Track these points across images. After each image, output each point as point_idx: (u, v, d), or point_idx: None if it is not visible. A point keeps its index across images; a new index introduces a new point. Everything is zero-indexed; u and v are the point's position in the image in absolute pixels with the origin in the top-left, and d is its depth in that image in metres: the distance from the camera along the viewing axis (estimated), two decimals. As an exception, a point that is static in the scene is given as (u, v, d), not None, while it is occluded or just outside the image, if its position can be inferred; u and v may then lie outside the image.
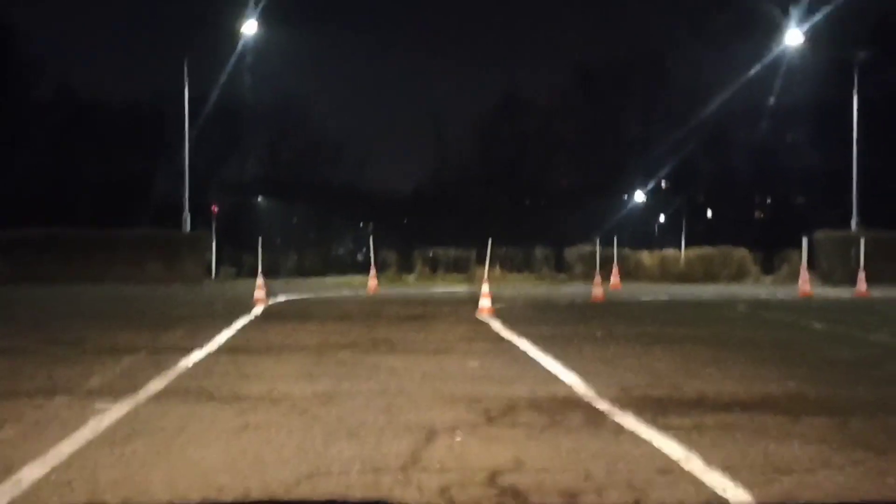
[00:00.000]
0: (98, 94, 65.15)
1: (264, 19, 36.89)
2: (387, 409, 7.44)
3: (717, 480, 5.31)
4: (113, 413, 7.28)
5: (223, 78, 45.83)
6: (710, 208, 70.47)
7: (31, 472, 5.46)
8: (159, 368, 9.64)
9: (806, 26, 39.34)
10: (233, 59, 40.42)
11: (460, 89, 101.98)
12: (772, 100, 54.42)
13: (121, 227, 33.59)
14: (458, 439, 6.38)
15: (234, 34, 37.25)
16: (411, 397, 8.06)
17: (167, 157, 61.13)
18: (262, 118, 63.36)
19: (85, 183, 60.87)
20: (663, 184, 69.07)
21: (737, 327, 15.55)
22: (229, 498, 4.93)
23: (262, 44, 39.55)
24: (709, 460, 5.73)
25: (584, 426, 6.87)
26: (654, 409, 7.44)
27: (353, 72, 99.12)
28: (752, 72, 48.02)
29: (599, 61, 66.06)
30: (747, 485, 5.19)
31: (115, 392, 8.20)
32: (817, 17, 41.58)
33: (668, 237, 57.84)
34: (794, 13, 41.31)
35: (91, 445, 6.21)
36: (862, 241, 26.04)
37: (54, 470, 5.56)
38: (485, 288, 17.58)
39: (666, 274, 33.55)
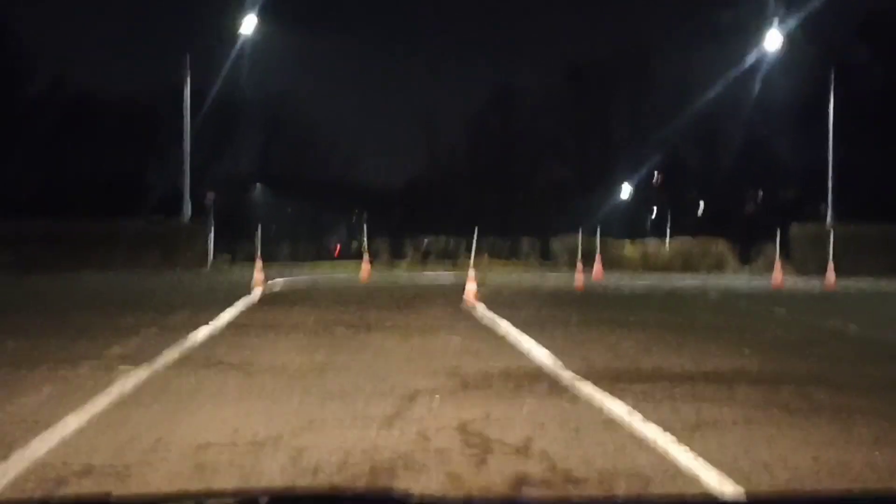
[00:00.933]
0: (92, 88, 65.73)
1: (257, 15, 37.72)
2: (376, 378, 8.47)
3: (649, 430, 6.36)
4: (136, 376, 8.31)
5: (219, 74, 46.67)
6: (702, 202, 71.51)
7: (75, 420, 6.49)
8: (172, 342, 10.65)
9: (793, 23, 40.32)
10: (232, 57, 41.23)
11: (451, 85, 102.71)
12: (761, 96, 55.34)
13: (115, 219, 34.68)
14: (437, 399, 7.43)
15: (229, 30, 38.10)
16: (398, 368, 9.09)
17: (161, 152, 62.07)
18: (256, 113, 64.24)
19: (80, 177, 61.69)
20: (656, 177, 70.09)
21: (703, 313, 16.61)
22: (244, 438, 5.96)
23: (256, 40, 40.33)
24: (648, 417, 6.78)
25: (547, 392, 7.91)
26: (611, 380, 8.47)
27: (345, 67, 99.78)
28: (740, 68, 48.97)
29: (587, 57, 66.95)
30: (674, 433, 6.24)
31: (135, 360, 9.22)
32: (805, 13, 42.60)
33: (661, 230, 58.91)
34: (783, 9, 42.33)
35: (122, 400, 7.25)
36: (831, 235, 27.17)
37: (94, 417, 6.59)
38: (471, 274, 18.62)
39: (648, 264, 34.64)
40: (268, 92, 63.17)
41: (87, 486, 4.97)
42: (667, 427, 6.43)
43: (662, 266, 34.26)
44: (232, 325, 12.92)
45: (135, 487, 4.93)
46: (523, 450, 5.78)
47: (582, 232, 31.40)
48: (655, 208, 63.93)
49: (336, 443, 5.88)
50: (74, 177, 61.64)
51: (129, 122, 62.87)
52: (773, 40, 36.51)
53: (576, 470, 5.32)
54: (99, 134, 62.09)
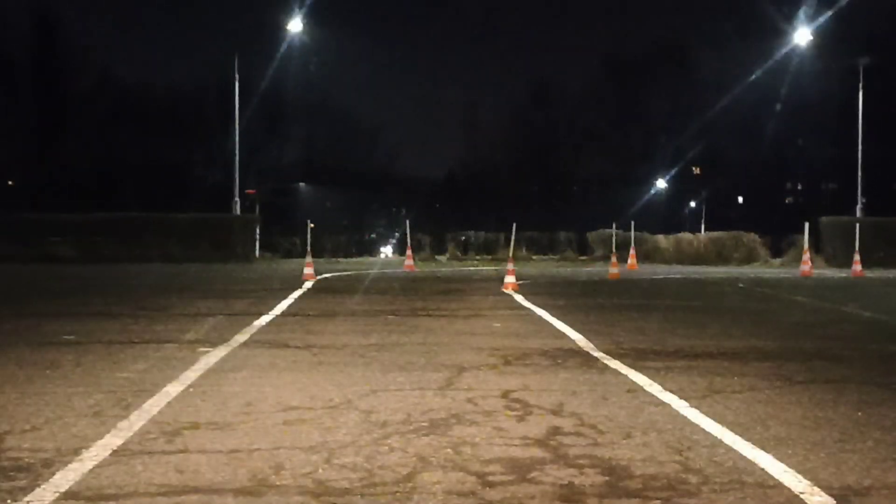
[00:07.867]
0: (139, 82, 67.68)
1: (301, 8, 38.97)
2: (427, 355, 9.57)
3: (666, 396, 7.39)
4: (215, 354, 9.46)
5: (265, 69, 48.05)
6: (741, 196, 72.23)
7: (173, 389, 7.61)
8: (240, 326, 11.83)
9: (821, 23, 41.21)
10: (278, 53, 42.63)
11: (493, 78, 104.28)
12: (797, 90, 55.92)
13: (164, 211, 36.37)
14: (482, 373, 8.51)
15: (276, 26, 39.49)
16: (446, 347, 10.18)
17: (206, 143, 63.67)
18: (301, 106, 65.56)
19: (127, 168, 63.49)
20: (696, 170, 70.91)
21: (728, 300, 17.65)
22: (320, 402, 7.07)
23: (301, 35, 41.58)
24: (665, 386, 7.82)
25: (578, 366, 8.97)
26: (636, 357, 9.52)
27: (388, 61, 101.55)
28: (775, 64, 49.64)
29: (627, 51, 68.11)
30: (687, 398, 7.27)
31: (211, 342, 10.38)
32: (837, 12, 43.33)
33: (697, 224, 59.80)
34: (817, 8, 43.12)
35: (209, 373, 8.39)
36: (857, 227, 28.11)
37: (189, 387, 7.72)
38: (509, 266, 19.77)
39: (681, 256, 35.60)
40: (312, 85, 64.63)
41: (198, 438, 6.04)
42: (682, 395, 7.45)
43: (695, 257, 35.21)
44: (291, 313, 14.09)
45: (239, 439, 6.01)
46: (557, 410, 6.84)
47: (618, 226, 32.43)
48: (693, 203, 64.74)
49: (398, 405, 6.97)
50: (122, 167, 63.43)
51: (174, 115, 64.56)
52: (795, 42, 37.54)
53: (601, 424, 6.37)
54: (145, 126, 63.85)
